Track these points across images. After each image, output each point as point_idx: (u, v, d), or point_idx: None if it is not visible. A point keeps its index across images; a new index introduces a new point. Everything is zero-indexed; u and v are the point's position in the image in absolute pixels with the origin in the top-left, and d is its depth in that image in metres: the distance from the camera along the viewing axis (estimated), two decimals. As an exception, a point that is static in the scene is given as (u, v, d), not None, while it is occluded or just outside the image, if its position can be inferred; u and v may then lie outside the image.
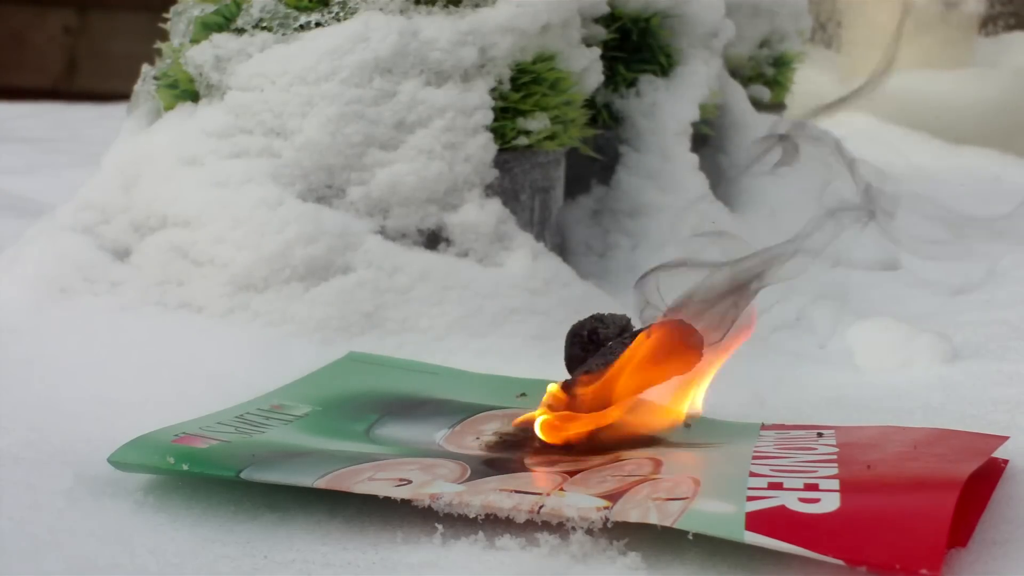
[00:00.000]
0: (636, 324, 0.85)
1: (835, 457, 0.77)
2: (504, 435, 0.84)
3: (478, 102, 1.09)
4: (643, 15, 1.29)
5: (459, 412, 0.88)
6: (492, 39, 1.10)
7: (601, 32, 1.24)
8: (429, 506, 0.71)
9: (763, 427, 0.87)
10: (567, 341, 0.85)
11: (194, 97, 1.16)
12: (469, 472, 0.76)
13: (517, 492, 0.72)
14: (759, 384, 0.99)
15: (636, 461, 0.77)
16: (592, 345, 0.84)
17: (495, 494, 0.71)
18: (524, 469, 0.78)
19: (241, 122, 1.10)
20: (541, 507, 0.70)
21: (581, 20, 1.19)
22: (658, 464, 0.77)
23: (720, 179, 1.43)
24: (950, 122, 3.10)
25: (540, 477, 0.76)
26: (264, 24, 1.12)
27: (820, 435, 0.83)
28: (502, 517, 0.70)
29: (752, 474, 0.73)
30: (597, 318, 0.86)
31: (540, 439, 0.82)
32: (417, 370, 0.97)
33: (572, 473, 0.75)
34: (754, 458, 0.78)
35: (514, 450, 0.81)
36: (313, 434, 0.84)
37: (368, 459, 0.78)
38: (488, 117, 1.10)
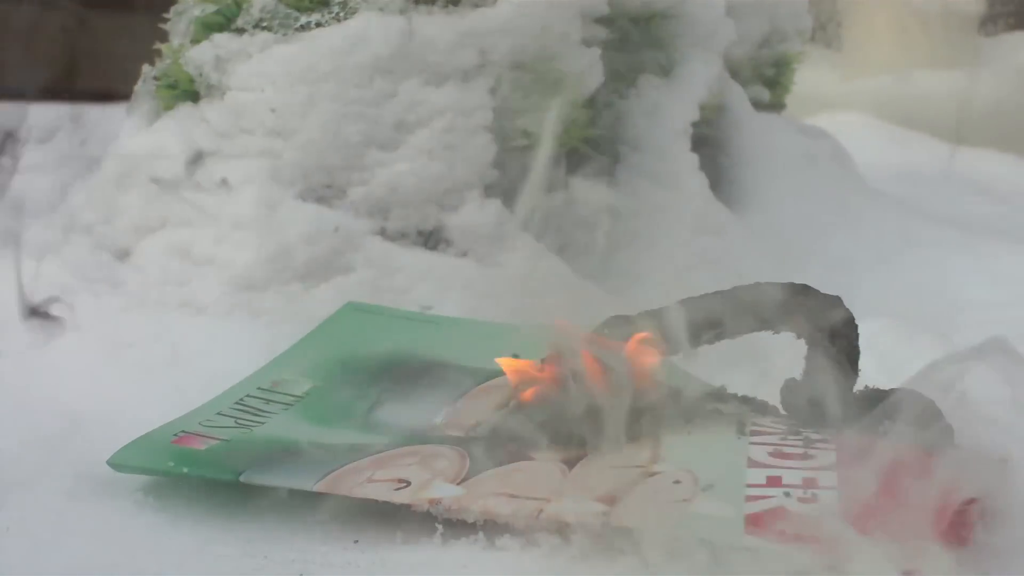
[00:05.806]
0: None
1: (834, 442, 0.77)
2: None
3: (478, 102, 1.09)
4: (643, 15, 1.29)
5: (460, 382, 0.88)
6: (492, 39, 1.10)
7: (601, 32, 1.24)
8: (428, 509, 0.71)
9: None
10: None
11: (194, 97, 1.16)
12: (468, 463, 0.75)
13: (516, 497, 0.71)
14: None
15: (636, 445, 0.77)
16: None
17: (494, 499, 0.71)
18: (524, 457, 0.77)
19: (241, 122, 1.10)
20: (540, 512, 0.70)
21: (581, 20, 1.18)
22: (657, 448, 0.76)
23: (720, 179, 1.43)
24: (950, 122, 3.10)
25: (540, 470, 0.75)
26: (264, 24, 1.12)
27: None
28: (501, 522, 0.70)
29: (751, 461, 0.73)
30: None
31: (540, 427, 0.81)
32: (417, 320, 0.97)
33: (572, 462, 0.75)
34: (752, 435, 0.77)
35: (513, 437, 0.80)
36: (314, 422, 0.84)
37: (368, 452, 0.77)
38: (488, 117, 1.10)
